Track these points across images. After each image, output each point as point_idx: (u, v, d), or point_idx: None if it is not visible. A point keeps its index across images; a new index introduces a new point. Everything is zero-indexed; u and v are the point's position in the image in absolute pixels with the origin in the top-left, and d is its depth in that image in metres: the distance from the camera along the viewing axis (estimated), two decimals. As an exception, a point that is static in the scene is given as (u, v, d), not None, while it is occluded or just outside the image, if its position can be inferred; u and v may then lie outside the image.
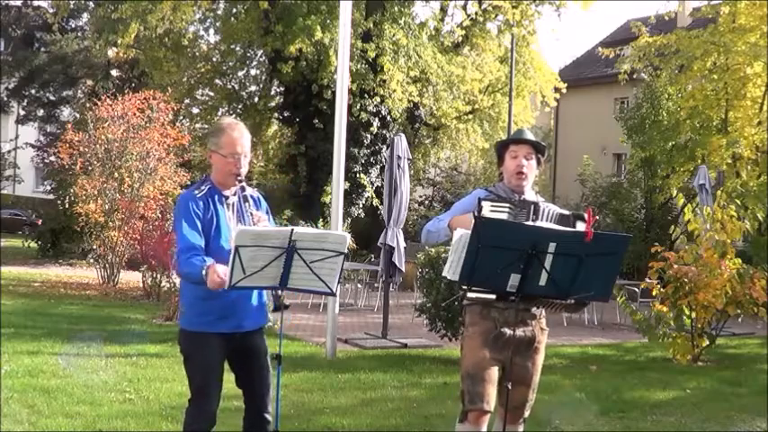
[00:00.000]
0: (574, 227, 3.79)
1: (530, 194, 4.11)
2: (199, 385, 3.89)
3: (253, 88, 25.54)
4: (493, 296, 3.80)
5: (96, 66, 29.91)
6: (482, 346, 3.91)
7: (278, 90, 24.06)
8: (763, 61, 17.55)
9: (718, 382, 8.59)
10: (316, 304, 13.26)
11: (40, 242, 21.76)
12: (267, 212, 4.08)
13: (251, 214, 3.91)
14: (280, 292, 3.81)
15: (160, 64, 22.95)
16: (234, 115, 24.84)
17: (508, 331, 3.87)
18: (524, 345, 3.94)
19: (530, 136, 4.13)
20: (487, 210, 3.84)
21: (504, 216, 3.84)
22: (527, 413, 4.09)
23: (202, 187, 3.92)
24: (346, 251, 3.87)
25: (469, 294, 3.87)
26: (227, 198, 3.94)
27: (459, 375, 4.01)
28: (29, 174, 39.84)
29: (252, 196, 4.01)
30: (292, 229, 3.71)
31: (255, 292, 3.95)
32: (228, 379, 4.02)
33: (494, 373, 3.91)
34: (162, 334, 9.75)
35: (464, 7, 23.96)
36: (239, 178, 3.91)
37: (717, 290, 9.42)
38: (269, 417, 4.02)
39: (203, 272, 3.65)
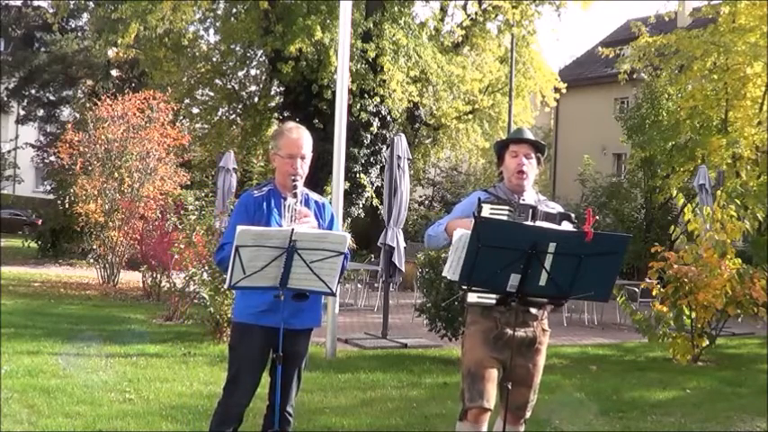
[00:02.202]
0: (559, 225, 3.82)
1: (530, 194, 4.11)
2: (233, 375, 3.98)
3: (253, 88, 25.56)
4: (492, 301, 3.81)
5: (96, 66, 29.92)
6: (482, 345, 3.92)
7: (278, 90, 24.05)
8: (763, 61, 17.55)
9: (718, 382, 8.59)
10: (316, 304, 13.24)
11: (40, 242, 21.76)
12: (332, 218, 4.13)
13: (295, 210, 3.94)
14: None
15: (160, 64, 22.96)
16: (234, 115, 24.89)
17: (509, 331, 3.87)
18: (525, 345, 3.95)
19: (529, 135, 4.13)
20: (487, 212, 3.85)
21: (503, 218, 3.84)
22: (528, 414, 4.09)
23: (263, 188, 4.05)
24: (346, 251, 3.88)
25: (469, 299, 3.88)
26: (284, 200, 4.01)
27: (460, 374, 4.02)
28: (29, 174, 39.82)
29: (316, 201, 4.09)
30: (292, 229, 3.72)
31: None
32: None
33: (494, 371, 3.91)
34: (162, 334, 9.76)
35: (464, 7, 23.95)
36: (294, 179, 3.95)
37: (717, 290, 9.42)
38: (290, 416, 4.05)
39: None
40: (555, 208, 4.09)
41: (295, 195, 3.96)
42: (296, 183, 3.95)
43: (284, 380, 3.93)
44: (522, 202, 4.02)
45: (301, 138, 4.02)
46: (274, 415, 3.96)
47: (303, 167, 4.00)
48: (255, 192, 4.03)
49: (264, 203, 3.98)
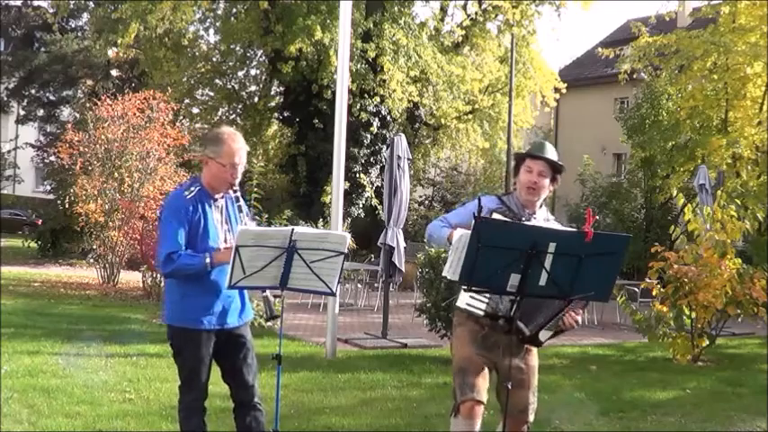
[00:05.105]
0: None
1: (541, 212, 4.11)
2: (185, 378, 4.06)
3: (253, 88, 25.59)
4: (480, 312, 3.85)
5: (96, 66, 29.94)
6: (470, 343, 3.95)
7: (278, 90, 24.09)
8: (763, 61, 17.54)
9: (718, 382, 8.60)
10: (316, 304, 13.26)
11: (40, 242, 21.77)
12: (247, 215, 4.16)
13: (243, 217, 4.03)
14: (272, 299, 3.95)
15: (160, 64, 22.97)
16: (234, 115, 24.90)
17: (495, 334, 3.90)
18: (514, 346, 3.91)
19: (550, 151, 4.06)
20: None
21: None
22: (531, 417, 4.04)
23: (192, 189, 3.98)
24: (346, 251, 3.90)
25: (458, 303, 3.91)
26: (215, 201, 4.02)
27: (452, 372, 4.02)
28: (29, 174, 39.85)
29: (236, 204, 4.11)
30: (293, 229, 3.74)
31: (237, 291, 4.01)
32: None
33: (483, 366, 3.93)
34: (162, 334, 9.64)
35: (464, 7, 23.97)
36: (235, 190, 4.01)
37: (717, 290, 9.43)
38: (260, 405, 4.12)
39: (207, 260, 3.80)
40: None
41: (240, 210, 4.03)
42: (237, 193, 4.03)
43: (241, 373, 4.06)
44: (533, 219, 4.01)
45: (243, 148, 4.00)
46: (246, 406, 4.09)
47: (240, 176, 4.03)
48: (186, 192, 3.97)
49: (199, 205, 3.94)
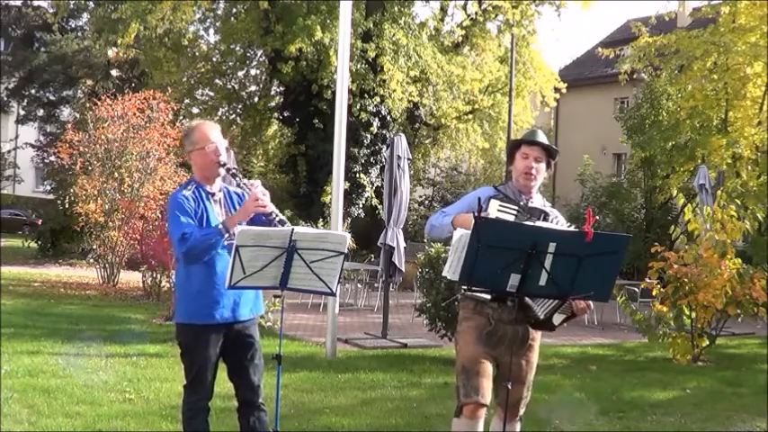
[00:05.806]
0: None
1: (537, 198, 4.12)
2: (195, 375, 4.03)
3: (253, 88, 25.58)
4: (488, 297, 3.84)
5: (96, 66, 29.94)
6: (476, 342, 3.94)
7: (278, 90, 24.07)
8: (763, 61, 17.53)
9: (718, 382, 8.60)
10: (316, 304, 13.26)
11: (40, 242, 21.77)
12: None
13: (245, 184, 4.01)
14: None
15: (160, 64, 22.96)
16: (234, 115, 24.92)
17: (501, 327, 3.89)
18: (518, 341, 3.95)
19: (542, 138, 4.12)
20: (495, 208, 3.87)
21: (509, 218, 3.85)
22: (522, 411, 4.11)
23: (189, 186, 4.05)
24: (346, 251, 3.90)
25: (465, 291, 3.90)
26: (213, 195, 4.06)
27: (455, 370, 4.01)
28: (29, 174, 39.86)
29: (237, 193, 4.14)
30: (293, 229, 3.74)
31: None
32: (227, 378, 4.12)
33: (488, 367, 3.93)
34: (162, 334, 9.76)
35: (464, 7, 23.96)
36: (224, 164, 4.01)
37: (717, 290, 9.43)
38: (264, 406, 4.12)
39: (220, 226, 3.84)
40: (558, 219, 4.09)
41: (234, 176, 4.04)
42: (227, 166, 4.03)
43: (247, 373, 4.05)
44: (531, 204, 4.02)
45: (214, 128, 4.09)
46: (250, 406, 4.08)
47: (224, 154, 4.05)
48: (185, 190, 4.03)
49: (199, 199, 4.00)
